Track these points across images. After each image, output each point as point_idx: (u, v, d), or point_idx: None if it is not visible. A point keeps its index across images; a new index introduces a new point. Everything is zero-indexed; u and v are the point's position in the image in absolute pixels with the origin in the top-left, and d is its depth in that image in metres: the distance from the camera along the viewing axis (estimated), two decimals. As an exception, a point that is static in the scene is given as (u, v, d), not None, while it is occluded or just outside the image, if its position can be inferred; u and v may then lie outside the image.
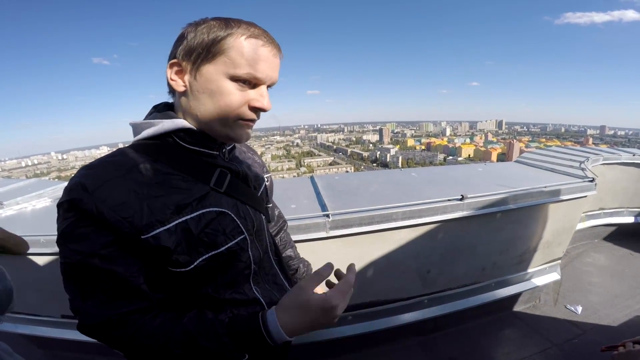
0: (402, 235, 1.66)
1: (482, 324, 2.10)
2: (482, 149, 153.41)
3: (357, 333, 1.75)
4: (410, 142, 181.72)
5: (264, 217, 0.79)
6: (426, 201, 1.66)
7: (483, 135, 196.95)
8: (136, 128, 0.63)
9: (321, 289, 0.70)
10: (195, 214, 0.59)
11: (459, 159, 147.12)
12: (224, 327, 0.58)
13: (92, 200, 0.51)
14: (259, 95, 0.60)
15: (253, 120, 0.63)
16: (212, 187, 0.64)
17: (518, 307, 2.26)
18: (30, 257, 1.50)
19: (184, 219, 0.58)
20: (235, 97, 0.59)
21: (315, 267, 0.75)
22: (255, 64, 0.58)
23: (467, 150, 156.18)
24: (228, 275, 0.66)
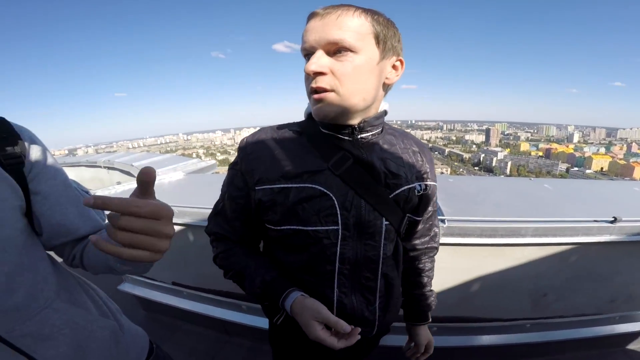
0: (526, 253, 1.44)
1: (584, 357, 1.72)
2: (621, 162, 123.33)
3: (438, 345, 1.56)
4: (524, 147, 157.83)
5: (385, 221, 0.69)
6: (564, 219, 1.39)
7: (624, 145, 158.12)
8: (307, 107, 0.70)
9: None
10: (299, 185, 0.64)
11: (587, 171, 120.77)
12: (262, 285, 0.68)
13: (244, 151, 0.68)
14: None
15: (315, 91, 0.60)
16: (329, 167, 0.65)
17: (633, 345, 1.77)
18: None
19: (288, 185, 0.64)
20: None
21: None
22: (303, 37, 0.60)
23: (600, 162, 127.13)
24: (309, 258, 0.68)
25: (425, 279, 0.89)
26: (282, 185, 0.64)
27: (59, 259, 0.67)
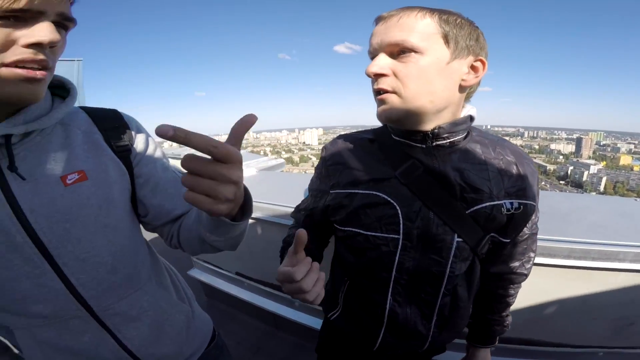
0: (620, 279, 1.26)
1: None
2: None
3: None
4: (625, 160, 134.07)
5: (457, 238, 0.63)
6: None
7: None
8: None
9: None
10: (365, 191, 0.66)
11: None
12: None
13: (325, 155, 0.75)
14: None
15: (378, 93, 0.60)
16: (396, 175, 0.64)
17: None
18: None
19: (354, 191, 0.67)
20: None
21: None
22: (369, 42, 0.61)
23: None
24: (367, 262, 0.69)
25: (504, 305, 0.80)
26: (349, 191, 0.68)
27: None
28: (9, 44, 0.39)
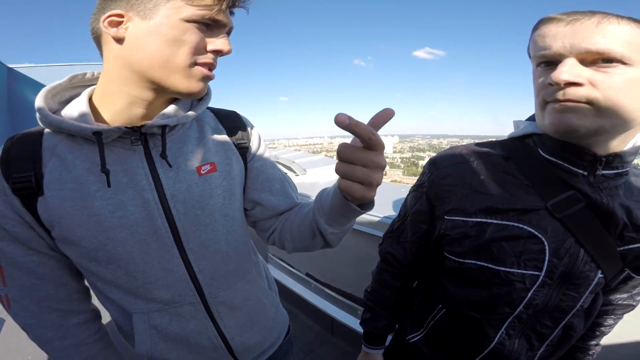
0: None
1: None
2: None
3: None
4: None
5: (600, 274, 0.55)
6: None
7: None
8: (516, 126, 0.64)
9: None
10: (502, 222, 0.56)
11: None
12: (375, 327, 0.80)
13: (435, 175, 0.63)
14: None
15: (557, 100, 0.50)
16: (547, 206, 0.54)
17: None
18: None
19: (487, 220, 0.57)
20: None
21: None
22: (539, 43, 0.53)
23: None
24: (488, 297, 0.60)
25: (597, 333, 0.71)
26: (479, 220, 0.57)
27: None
28: (203, 47, 0.49)
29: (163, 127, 0.52)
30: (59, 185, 0.49)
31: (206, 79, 0.51)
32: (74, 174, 0.50)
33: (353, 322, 1.78)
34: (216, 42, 0.50)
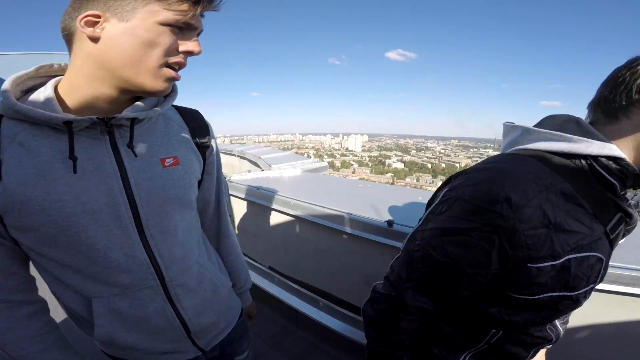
0: None
1: None
2: None
3: None
4: None
5: None
6: None
7: None
8: (529, 134, 0.58)
9: None
10: (582, 254, 0.52)
11: None
12: None
13: (513, 218, 0.49)
14: None
15: None
16: (607, 230, 0.54)
17: None
18: (275, 212, 1.95)
19: (572, 256, 0.52)
20: None
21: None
22: None
23: None
24: (548, 315, 0.59)
25: None
26: (565, 258, 0.51)
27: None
28: (175, 49, 0.53)
29: (132, 120, 0.56)
30: (19, 171, 0.50)
31: (172, 79, 0.55)
32: (37, 160, 0.50)
33: (317, 314, 1.83)
34: (188, 44, 0.54)
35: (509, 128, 0.63)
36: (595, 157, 0.51)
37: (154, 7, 0.49)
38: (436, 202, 0.61)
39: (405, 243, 0.65)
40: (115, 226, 0.56)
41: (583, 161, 0.53)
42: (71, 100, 0.54)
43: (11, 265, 0.57)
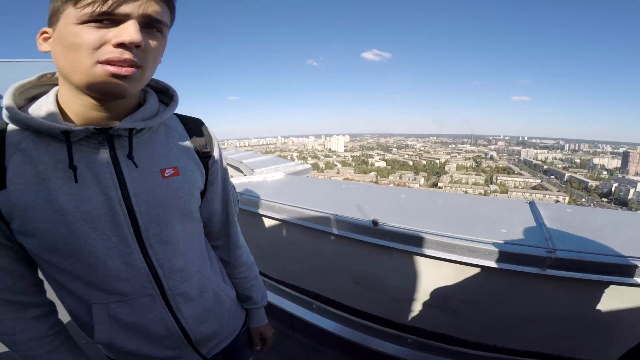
0: None
1: None
2: None
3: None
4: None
5: None
6: None
7: None
8: None
9: None
10: None
11: None
12: None
13: None
14: None
15: None
16: None
17: None
18: (261, 217, 1.93)
19: None
20: None
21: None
22: None
23: None
24: None
25: None
26: None
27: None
28: (102, 43, 0.46)
29: (130, 130, 0.56)
30: (23, 179, 0.51)
31: (115, 76, 0.48)
32: (39, 169, 0.52)
33: (311, 317, 1.83)
34: (118, 34, 0.46)
35: None
36: None
37: (69, 10, 0.46)
38: None
39: None
40: (114, 235, 0.57)
41: None
42: (69, 110, 0.54)
43: (20, 268, 0.59)
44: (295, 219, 1.73)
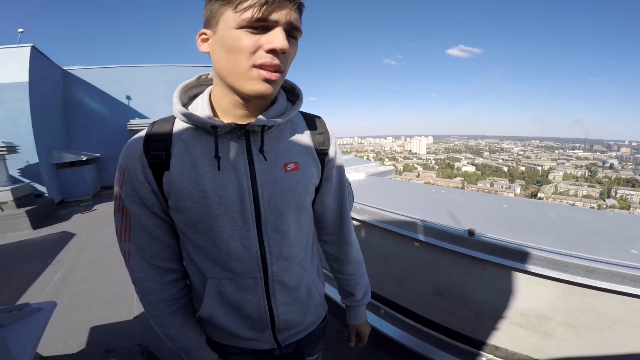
0: None
1: None
2: None
3: None
4: None
5: None
6: None
7: None
8: None
9: None
10: None
11: None
12: None
13: None
14: None
15: None
16: None
17: None
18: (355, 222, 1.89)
19: None
20: None
21: None
22: None
23: None
24: None
25: None
26: None
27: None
28: (256, 48, 0.53)
29: (262, 127, 0.62)
30: (181, 164, 0.61)
31: (267, 81, 0.55)
32: (193, 156, 0.61)
33: (375, 321, 1.76)
34: (270, 40, 0.52)
35: None
36: None
37: (228, 14, 0.52)
38: None
39: None
40: (240, 219, 0.64)
41: None
42: (218, 107, 0.63)
43: (169, 239, 0.69)
44: (376, 221, 1.67)
